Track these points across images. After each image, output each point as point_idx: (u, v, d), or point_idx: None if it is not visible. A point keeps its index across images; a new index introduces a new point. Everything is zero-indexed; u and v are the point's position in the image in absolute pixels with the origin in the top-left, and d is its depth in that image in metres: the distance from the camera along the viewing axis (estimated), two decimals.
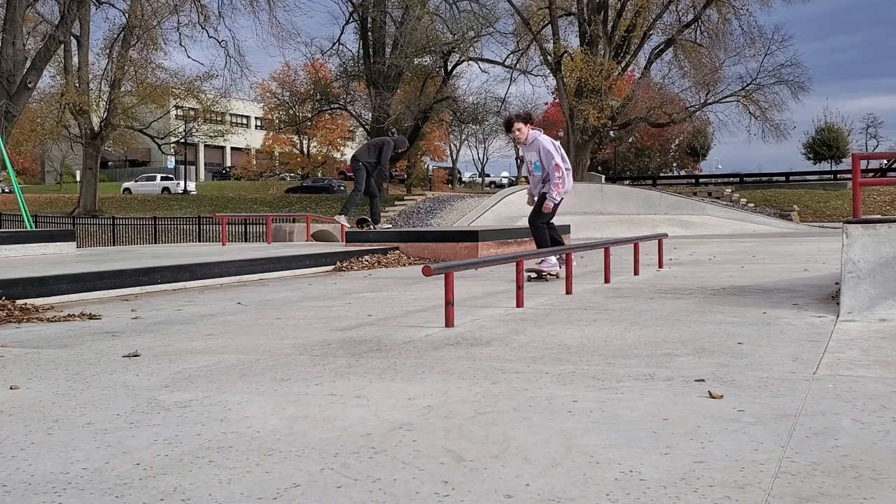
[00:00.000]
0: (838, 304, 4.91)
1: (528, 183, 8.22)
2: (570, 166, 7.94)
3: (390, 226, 12.48)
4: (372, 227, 13.17)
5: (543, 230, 7.92)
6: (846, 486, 1.96)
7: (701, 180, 46.75)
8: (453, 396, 2.98)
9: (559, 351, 3.88)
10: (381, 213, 30.58)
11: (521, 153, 8.81)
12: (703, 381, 3.14)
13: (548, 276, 7.61)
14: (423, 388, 3.13)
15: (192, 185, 56.29)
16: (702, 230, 24.40)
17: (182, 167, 56.30)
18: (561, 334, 4.38)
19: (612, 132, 44.16)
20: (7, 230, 18.62)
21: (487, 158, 77.86)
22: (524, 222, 8.35)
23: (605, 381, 3.19)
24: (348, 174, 16.97)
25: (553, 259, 7.65)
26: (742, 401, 2.82)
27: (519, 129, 7.79)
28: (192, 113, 47.13)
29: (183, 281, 7.72)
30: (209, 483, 2.08)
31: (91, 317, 5.55)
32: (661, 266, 8.96)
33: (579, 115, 37.06)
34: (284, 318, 5.38)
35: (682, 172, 62.58)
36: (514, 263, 5.79)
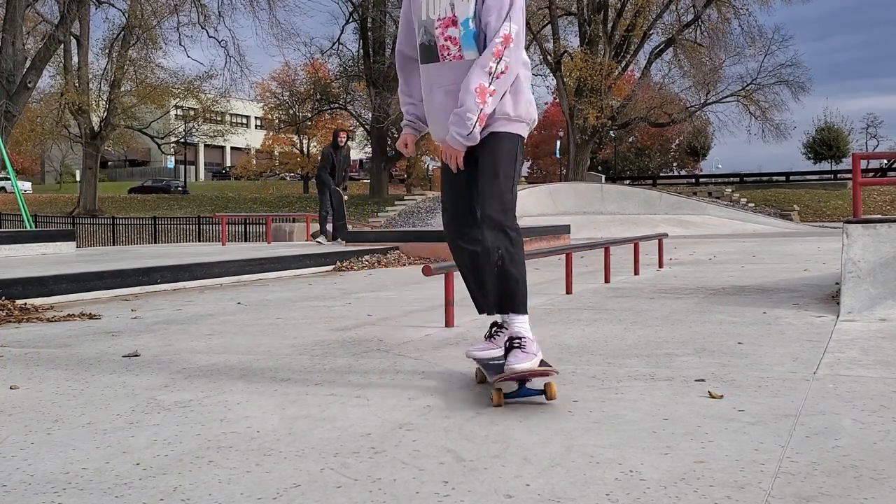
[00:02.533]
0: (838, 303, 4.91)
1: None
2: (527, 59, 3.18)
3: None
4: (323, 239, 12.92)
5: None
6: (846, 486, 1.96)
7: (701, 180, 46.78)
8: (453, 396, 2.98)
9: (559, 351, 3.87)
10: (382, 213, 30.74)
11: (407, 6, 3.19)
12: (703, 380, 3.14)
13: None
14: (423, 388, 3.12)
15: (27, 186, 53.83)
16: (702, 230, 24.40)
17: (182, 167, 56.25)
18: (561, 334, 4.38)
19: (612, 132, 44.19)
20: (7, 230, 18.61)
21: None
22: (525, 222, 7.97)
23: (605, 380, 3.19)
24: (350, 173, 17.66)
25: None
26: (742, 401, 2.81)
27: None
28: (191, 113, 47.14)
29: (183, 281, 7.72)
30: (209, 483, 2.08)
31: (91, 317, 5.55)
32: (661, 266, 8.96)
33: (579, 114, 37.07)
34: (284, 317, 5.37)
35: (683, 172, 62.60)
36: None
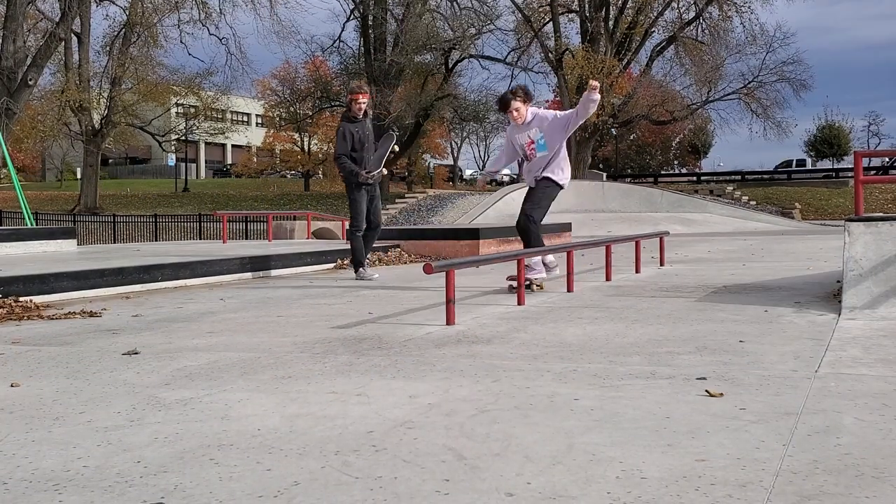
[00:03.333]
0: (840, 302, 4.90)
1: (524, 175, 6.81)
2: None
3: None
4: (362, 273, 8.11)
5: (539, 229, 6.57)
6: (848, 485, 1.96)
7: (702, 178, 46.75)
8: (454, 394, 2.98)
9: (560, 349, 3.87)
10: (383, 211, 30.58)
11: (509, 135, 6.83)
12: (704, 379, 3.14)
13: (535, 286, 6.37)
14: (424, 386, 3.12)
15: None
16: (703, 228, 24.40)
17: (183, 164, 56.28)
18: (562, 332, 4.38)
19: (613, 130, 44.15)
20: (8, 227, 18.62)
21: (489, 156, 77.85)
22: None
23: (607, 379, 3.18)
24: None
25: (539, 263, 6.50)
26: (744, 399, 2.81)
27: (517, 110, 6.44)
28: (192, 110, 47.11)
29: (184, 278, 7.72)
30: (210, 481, 2.08)
31: (92, 314, 5.55)
32: (662, 264, 8.96)
33: None
34: (285, 315, 5.37)
35: (684, 170, 62.57)
36: (516, 261, 5.79)
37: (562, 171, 6.56)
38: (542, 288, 6.39)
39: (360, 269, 8.12)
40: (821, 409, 2.66)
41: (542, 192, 6.53)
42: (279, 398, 2.97)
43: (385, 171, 8.33)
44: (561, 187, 6.56)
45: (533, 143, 6.44)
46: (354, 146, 7.98)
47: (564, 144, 6.50)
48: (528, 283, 6.15)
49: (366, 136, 8.07)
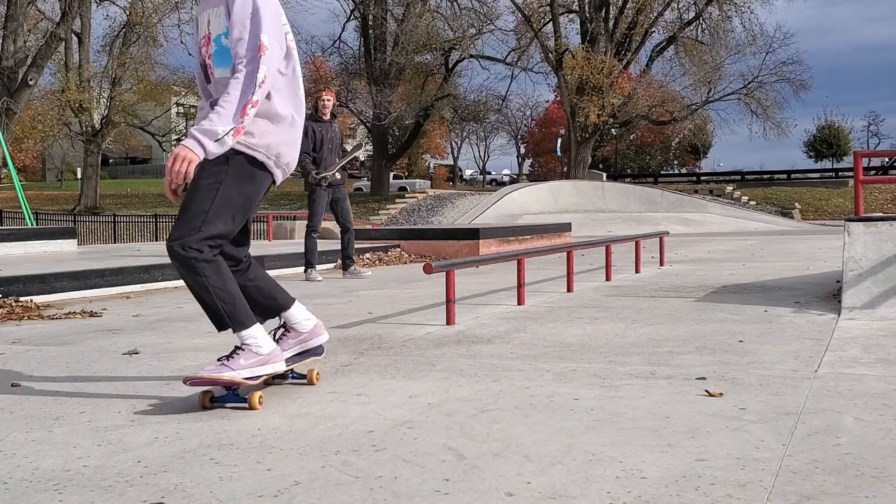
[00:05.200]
0: (840, 302, 4.91)
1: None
2: (299, 71, 3.01)
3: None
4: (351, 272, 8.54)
5: (205, 258, 2.81)
6: (848, 485, 1.96)
7: (702, 178, 46.72)
8: (454, 394, 2.98)
9: (560, 349, 3.87)
10: (383, 211, 30.59)
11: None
12: (704, 378, 3.14)
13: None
14: (424, 386, 3.12)
15: None
16: (703, 228, 24.40)
17: None
18: (562, 332, 4.38)
19: (613, 130, 44.13)
20: (8, 227, 18.62)
21: (489, 156, 77.87)
22: (526, 220, 7.82)
23: (607, 378, 3.19)
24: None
25: (307, 323, 3.19)
26: (743, 399, 2.81)
27: None
28: (192, 110, 47.09)
29: None
30: (210, 480, 2.08)
31: (92, 314, 5.55)
32: (662, 264, 8.96)
33: (580, 112, 37.04)
34: None
35: (683, 170, 62.59)
36: (516, 261, 5.79)
37: (254, 134, 2.83)
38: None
39: (310, 269, 8.22)
40: (820, 409, 2.66)
41: (206, 173, 2.80)
42: (279, 398, 2.97)
43: (338, 176, 8.26)
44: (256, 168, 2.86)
45: (210, 40, 2.87)
46: (315, 146, 8.01)
47: (276, 92, 2.87)
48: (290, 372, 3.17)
49: (329, 139, 8.10)
